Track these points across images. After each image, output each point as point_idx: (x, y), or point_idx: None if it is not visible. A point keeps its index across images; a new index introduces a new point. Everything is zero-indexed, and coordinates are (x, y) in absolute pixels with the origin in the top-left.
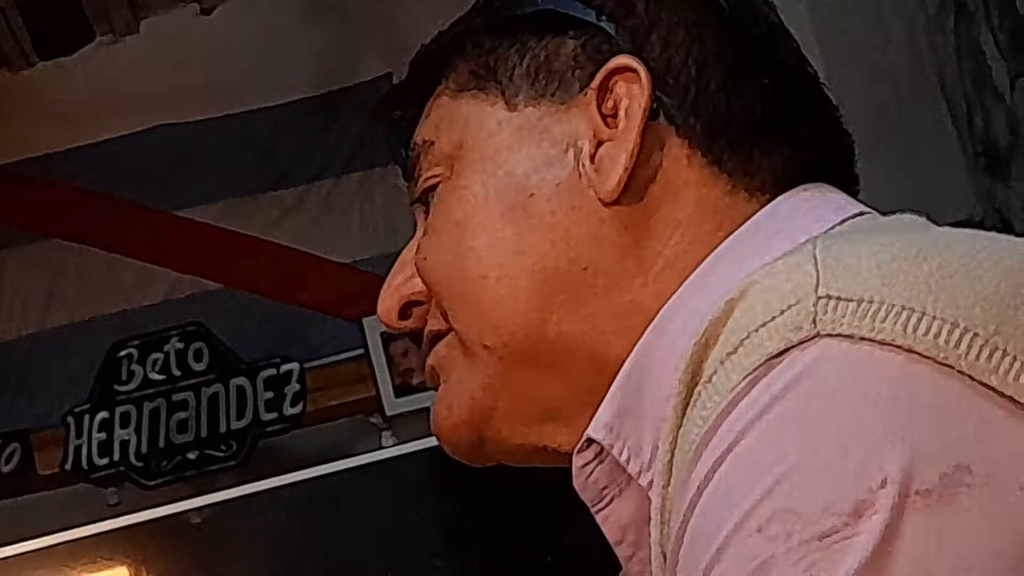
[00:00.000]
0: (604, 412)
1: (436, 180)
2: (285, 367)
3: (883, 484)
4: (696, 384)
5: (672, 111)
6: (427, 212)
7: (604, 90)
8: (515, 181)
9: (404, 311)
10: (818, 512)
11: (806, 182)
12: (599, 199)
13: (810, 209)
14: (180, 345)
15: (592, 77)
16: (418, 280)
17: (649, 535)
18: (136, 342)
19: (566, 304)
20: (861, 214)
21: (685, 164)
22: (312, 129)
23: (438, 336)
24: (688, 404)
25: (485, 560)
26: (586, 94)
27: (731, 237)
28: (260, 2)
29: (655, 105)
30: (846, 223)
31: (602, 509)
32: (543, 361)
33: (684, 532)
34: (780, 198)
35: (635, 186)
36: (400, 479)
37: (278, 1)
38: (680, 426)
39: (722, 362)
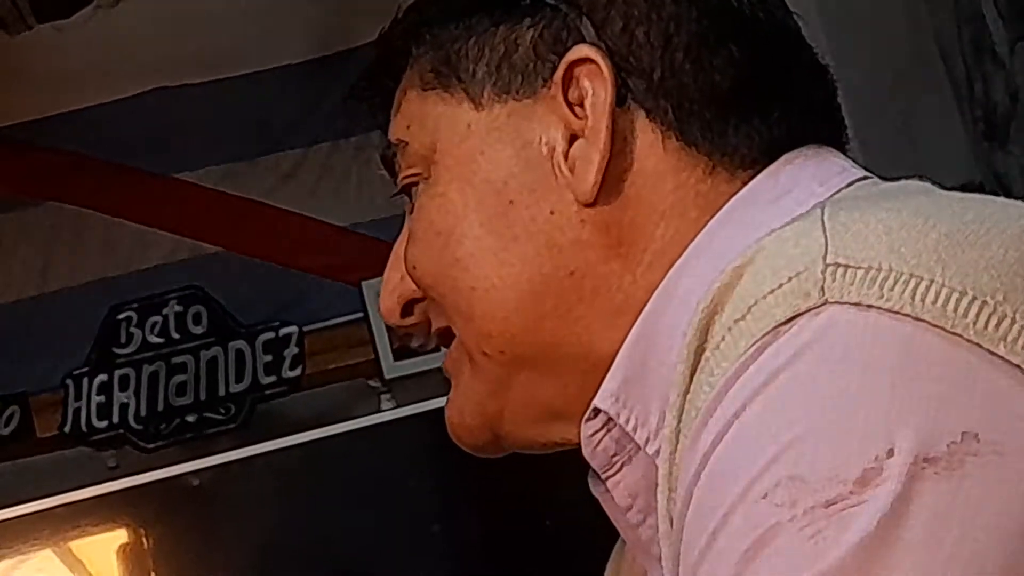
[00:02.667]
0: (610, 382)
1: (415, 178)
2: (284, 331)
3: (890, 453)
4: (704, 350)
5: (640, 95)
6: (412, 204)
7: (569, 79)
8: (493, 188)
9: (406, 309)
10: (824, 480)
11: (790, 149)
12: (577, 200)
13: (814, 171)
14: (179, 308)
15: (555, 69)
16: (408, 278)
17: (657, 501)
18: (135, 305)
19: (556, 310)
20: (865, 178)
21: (660, 150)
22: (310, 93)
23: (446, 332)
24: (696, 370)
25: (483, 524)
26: (550, 87)
27: (732, 200)
28: None
29: (622, 91)
30: (851, 186)
31: (612, 475)
32: (541, 366)
33: (691, 498)
34: (781, 160)
35: (611, 181)
36: (399, 442)
37: None
38: (687, 392)
39: (730, 328)
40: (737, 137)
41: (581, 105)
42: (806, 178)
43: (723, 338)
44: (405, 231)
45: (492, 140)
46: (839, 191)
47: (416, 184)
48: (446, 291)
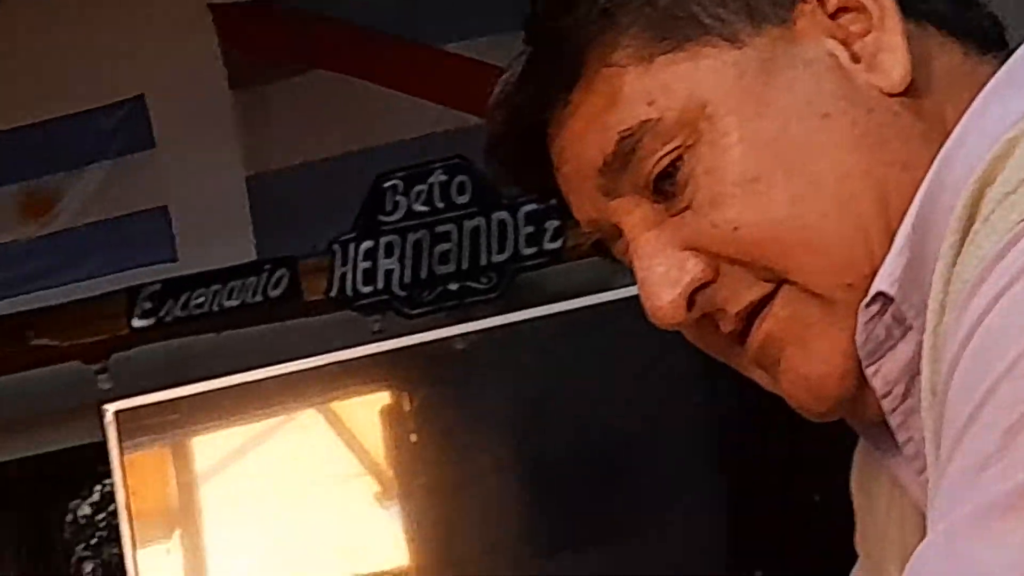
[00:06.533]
0: (891, 265)
1: (677, 152)
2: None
3: None
4: (973, 222)
5: None
6: (653, 197)
7: None
8: (796, 112)
9: (690, 302)
10: None
11: (1003, 35)
12: (886, 93)
13: None
14: (443, 178)
15: None
16: (690, 263)
17: (917, 384)
18: (401, 174)
19: (900, 212)
20: None
21: (926, 35)
22: None
23: (755, 306)
24: (964, 242)
25: (747, 396)
26: (807, 2)
27: (993, 80)
28: None
29: None
30: None
31: (873, 363)
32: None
33: (955, 370)
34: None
35: None
36: None
37: None
38: (955, 264)
39: (1000, 201)
40: (975, 20)
41: (838, 12)
42: None
43: (993, 210)
44: (645, 232)
45: (770, 69)
46: None
47: (674, 163)
48: (786, 235)
